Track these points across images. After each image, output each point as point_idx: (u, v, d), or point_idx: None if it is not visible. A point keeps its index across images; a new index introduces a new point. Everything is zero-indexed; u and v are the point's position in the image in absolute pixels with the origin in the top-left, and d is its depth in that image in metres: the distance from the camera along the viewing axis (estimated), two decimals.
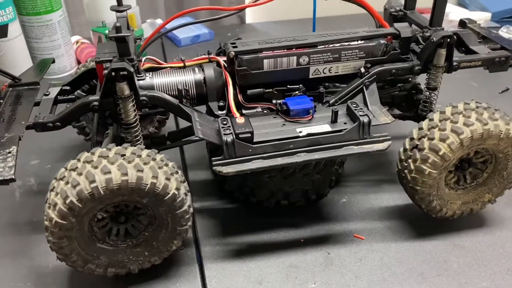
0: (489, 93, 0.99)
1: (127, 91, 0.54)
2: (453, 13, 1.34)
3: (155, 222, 0.55)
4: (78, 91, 0.67)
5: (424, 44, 0.65)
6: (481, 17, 1.30)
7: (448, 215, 0.64)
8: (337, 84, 0.65)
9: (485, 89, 1.00)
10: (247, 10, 1.33)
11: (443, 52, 0.64)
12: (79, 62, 1.11)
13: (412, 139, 0.60)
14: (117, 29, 0.52)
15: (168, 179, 0.52)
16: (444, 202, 0.62)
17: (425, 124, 0.59)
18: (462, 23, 0.84)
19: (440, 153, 0.56)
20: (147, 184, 0.50)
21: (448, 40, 0.63)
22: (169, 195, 0.51)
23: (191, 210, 0.56)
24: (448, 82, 0.95)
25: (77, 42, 1.14)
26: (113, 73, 0.52)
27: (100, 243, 0.54)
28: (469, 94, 0.99)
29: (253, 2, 0.64)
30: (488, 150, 0.61)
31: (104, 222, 0.54)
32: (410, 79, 0.75)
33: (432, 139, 0.57)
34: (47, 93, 0.62)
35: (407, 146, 0.60)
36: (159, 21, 1.26)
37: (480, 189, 0.64)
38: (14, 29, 0.97)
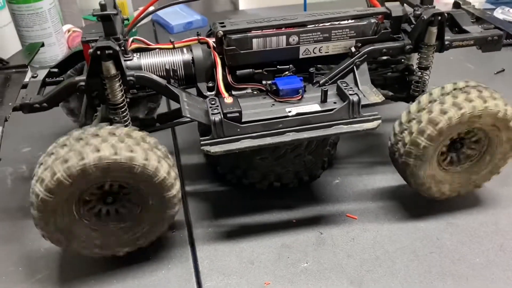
0: (484, 74, 0.98)
1: (113, 71, 0.53)
2: None
3: (143, 204, 0.54)
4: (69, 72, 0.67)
5: (415, 23, 0.64)
6: None
7: (436, 195, 0.63)
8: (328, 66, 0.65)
9: (481, 70, 1.00)
10: None
11: (434, 30, 0.63)
12: None
13: (409, 112, 0.59)
14: (102, 7, 0.51)
15: (159, 162, 0.51)
16: (433, 181, 0.62)
17: (416, 102, 0.59)
18: (456, 4, 0.84)
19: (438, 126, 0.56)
20: (139, 165, 0.49)
21: (439, 18, 0.62)
22: (160, 177, 0.51)
23: (180, 195, 0.55)
24: (443, 64, 0.94)
25: (68, 30, 1.13)
26: (98, 52, 0.51)
27: (87, 223, 0.54)
28: (464, 75, 0.97)
29: None
30: (480, 131, 0.60)
31: (92, 203, 0.54)
32: (402, 60, 0.74)
33: (431, 111, 0.57)
34: (35, 75, 0.61)
35: (404, 119, 0.60)
36: (151, 9, 1.24)
37: (469, 173, 0.64)
38: (4, 17, 0.95)
